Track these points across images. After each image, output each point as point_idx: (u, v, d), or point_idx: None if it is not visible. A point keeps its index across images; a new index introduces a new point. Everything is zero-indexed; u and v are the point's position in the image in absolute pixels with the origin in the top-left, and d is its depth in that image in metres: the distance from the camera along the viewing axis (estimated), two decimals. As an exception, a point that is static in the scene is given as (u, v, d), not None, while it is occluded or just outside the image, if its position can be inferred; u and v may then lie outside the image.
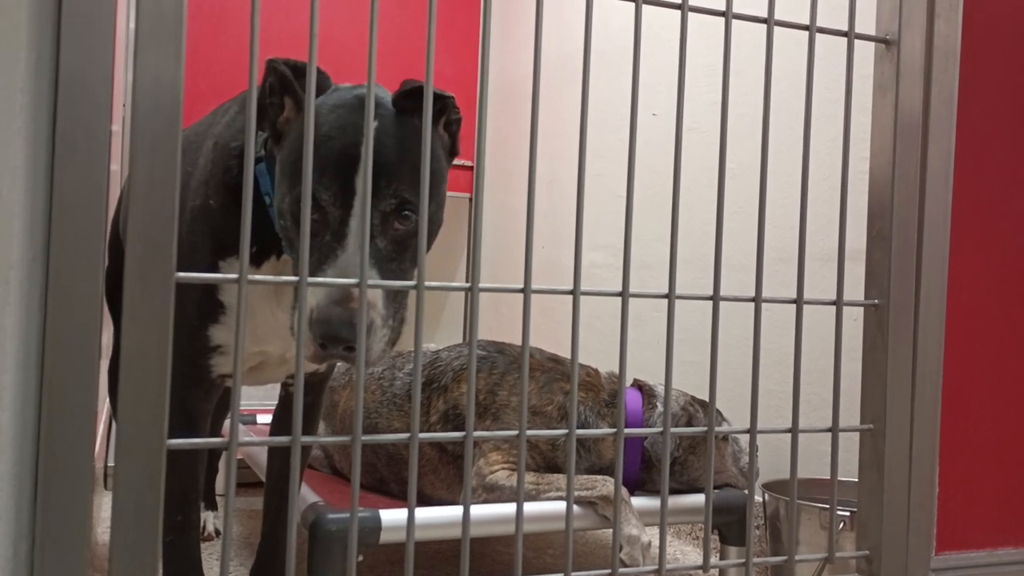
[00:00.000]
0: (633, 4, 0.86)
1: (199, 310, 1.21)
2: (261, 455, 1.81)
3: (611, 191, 2.68)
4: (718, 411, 1.83)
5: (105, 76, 0.69)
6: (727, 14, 0.90)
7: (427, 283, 0.78)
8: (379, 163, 1.01)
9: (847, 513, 1.47)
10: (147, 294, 0.69)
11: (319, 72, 1.11)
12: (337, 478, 1.87)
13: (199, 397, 1.26)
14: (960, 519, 1.20)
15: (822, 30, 0.95)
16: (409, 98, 1.07)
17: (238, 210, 1.14)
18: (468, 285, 0.80)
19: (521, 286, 0.82)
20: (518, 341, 2.16)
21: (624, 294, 0.86)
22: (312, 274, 0.98)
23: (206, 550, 2.04)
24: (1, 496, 0.64)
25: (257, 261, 1.20)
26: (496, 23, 3.47)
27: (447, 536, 1.47)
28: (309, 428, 1.48)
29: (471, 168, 3.84)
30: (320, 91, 1.10)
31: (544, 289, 0.87)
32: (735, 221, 2.13)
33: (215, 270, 1.19)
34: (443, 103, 1.10)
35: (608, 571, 0.84)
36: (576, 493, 1.56)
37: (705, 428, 0.92)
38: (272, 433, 1.59)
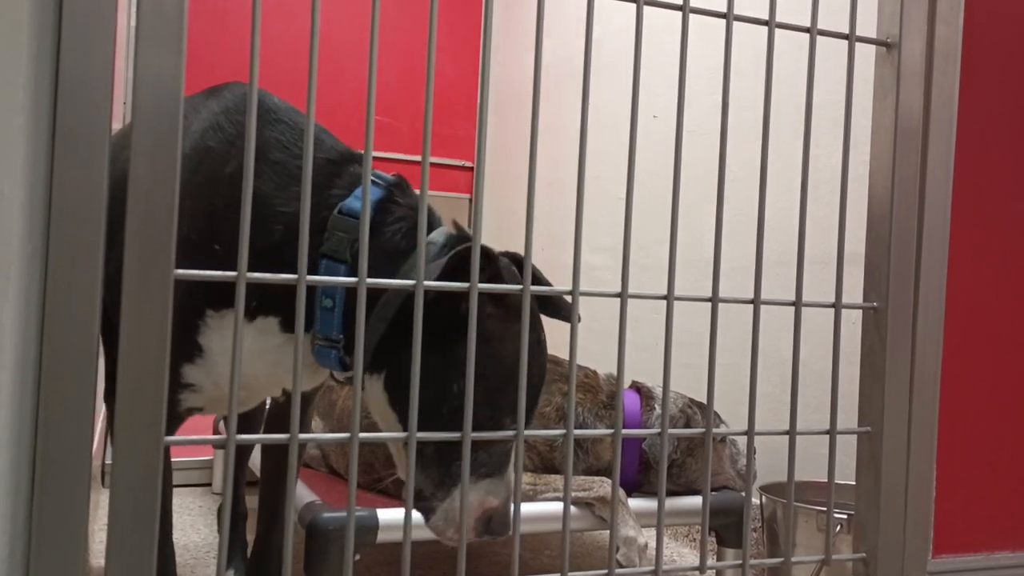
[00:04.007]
0: (634, 5, 0.86)
1: (173, 348, 1.13)
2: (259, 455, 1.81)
3: (611, 193, 2.68)
4: (716, 413, 1.83)
5: (106, 74, 0.69)
6: (728, 16, 0.90)
7: (426, 282, 0.78)
8: (539, 383, 1.11)
9: (844, 516, 1.47)
10: (146, 291, 0.69)
11: (430, 210, 1.13)
12: (335, 477, 1.86)
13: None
14: (957, 522, 1.20)
15: (823, 32, 0.95)
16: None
17: (258, 268, 1.04)
18: (467, 285, 0.80)
19: (520, 287, 0.82)
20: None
21: (623, 295, 0.86)
22: (475, 479, 1.06)
23: (203, 548, 2.05)
24: (-2, 493, 0.64)
25: (252, 315, 1.12)
26: (497, 24, 3.47)
27: (444, 536, 1.46)
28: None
29: (471, 169, 3.84)
30: (432, 226, 1.11)
31: (543, 289, 0.87)
32: (735, 223, 2.13)
33: (203, 317, 1.12)
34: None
35: (604, 572, 0.84)
36: (573, 494, 1.56)
37: (703, 430, 0.92)
38: (263, 449, 1.54)
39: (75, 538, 0.67)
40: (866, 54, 1.05)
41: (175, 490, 2.60)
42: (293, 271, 0.76)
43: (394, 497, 1.73)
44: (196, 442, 0.72)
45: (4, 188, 0.64)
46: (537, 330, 1.10)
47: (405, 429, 1.06)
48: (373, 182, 1.12)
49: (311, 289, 1.06)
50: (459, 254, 0.98)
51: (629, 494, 1.66)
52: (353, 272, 1.05)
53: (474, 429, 1.01)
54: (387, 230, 1.09)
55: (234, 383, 0.71)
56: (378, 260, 1.06)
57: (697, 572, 0.90)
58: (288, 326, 1.11)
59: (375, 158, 1.21)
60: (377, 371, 1.08)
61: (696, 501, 1.66)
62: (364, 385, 1.11)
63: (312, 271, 1.06)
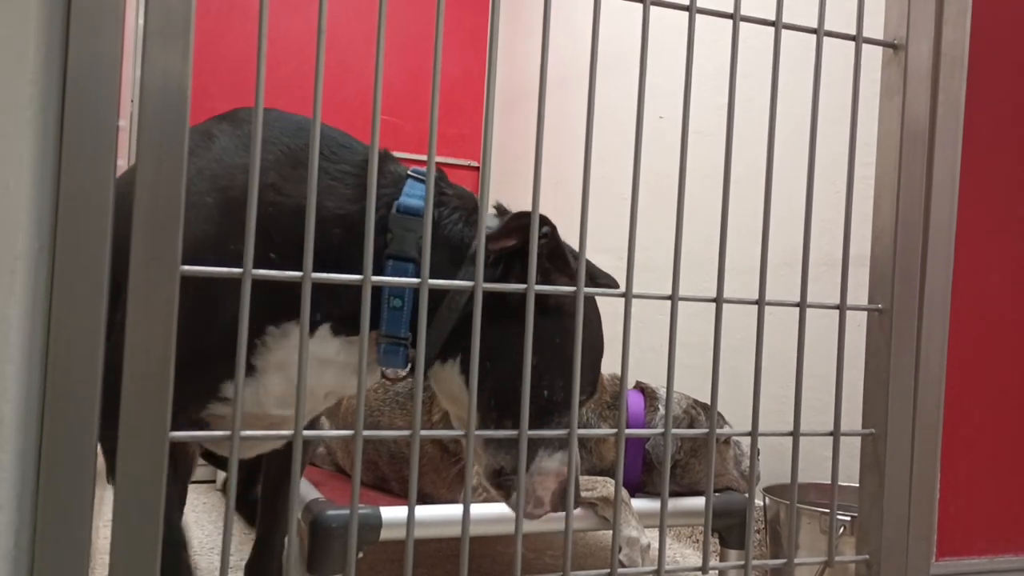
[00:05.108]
0: (641, 5, 0.86)
1: (219, 363, 1.07)
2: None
3: (616, 194, 2.68)
4: (719, 414, 1.83)
5: (113, 71, 0.69)
6: (735, 16, 0.90)
7: (431, 280, 0.78)
8: (600, 356, 1.20)
9: (848, 518, 1.47)
10: (152, 288, 0.69)
11: (472, 198, 1.18)
12: (339, 475, 1.87)
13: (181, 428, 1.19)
14: (960, 525, 1.20)
15: (830, 34, 0.95)
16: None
17: (321, 270, 1.01)
18: (472, 284, 0.81)
19: (524, 286, 0.83)
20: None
21: (627, 295, 0.87)
22: (537, 451, 1.09)
23: (207, 545, 2.05)
24: (3, 486, 0.64)
25: (311, 327, 1.08)
26: (504, 24, 3.48)
27: (447, 535, 1.47)
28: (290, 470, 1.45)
29: (477, 169, 3.84)
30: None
31: (547, 289, 0.87)
32: (740, 225, 2.13)
33: (261, 336, 1.08)
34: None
35: (607, 572, 0.84)
36: (577, 494, 1.56)
37: (706, 430, 0.92)
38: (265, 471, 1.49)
39: (80, 531, 0.67)
40: (873, 56, 1.05)
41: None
42: (354, 271, 0.77)
43: (399, 496, 1.73)
44: (201, 438, 0.73)
45: (11, 183, 0.64)
46: (596, 306, 1.20)
47: (483, 412, 1.09)
48: (416, 178, 1.13)
49: (376, 290, 1.06)
50: (517, 219, 1.05)
51: (632, 494, 1.66)
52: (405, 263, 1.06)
53: (553, 399, 1.09)
54: (446, 222, 1.11)
55: (239, 377, 0.72)
56: (444, 253, 1.09)
57: (699, 573, 0.90)
58: (338, 330, 1.09)
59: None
60: (452, 357, 1.10)
61: (699, 502, 1.66)
62: (436, 374, 1.13)
63: (378, 272, 1.06)
